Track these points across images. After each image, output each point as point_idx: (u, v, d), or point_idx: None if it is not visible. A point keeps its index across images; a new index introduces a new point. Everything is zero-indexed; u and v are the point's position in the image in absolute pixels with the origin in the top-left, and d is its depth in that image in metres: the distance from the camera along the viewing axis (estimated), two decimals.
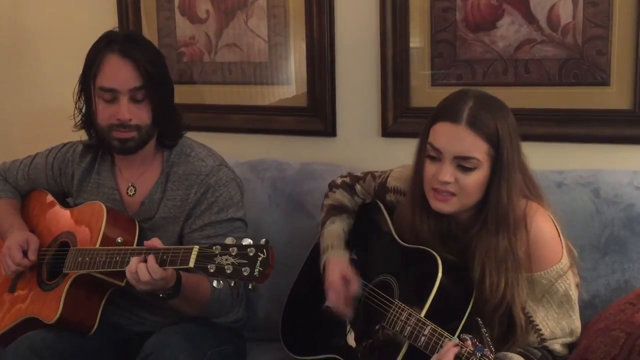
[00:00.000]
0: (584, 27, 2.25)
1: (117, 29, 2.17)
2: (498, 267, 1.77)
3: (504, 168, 1.75)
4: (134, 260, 1.84)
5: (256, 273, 1.67)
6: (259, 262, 1.67)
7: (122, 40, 2.09)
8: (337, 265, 2.00)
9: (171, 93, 2.20)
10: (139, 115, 2.09)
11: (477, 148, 1.74)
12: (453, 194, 1.78)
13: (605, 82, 2.25)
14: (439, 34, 2.43)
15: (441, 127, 1.78)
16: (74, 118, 2.21)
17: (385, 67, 2.51)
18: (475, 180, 1.76)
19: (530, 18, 2.31)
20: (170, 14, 2.87)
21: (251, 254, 1.68)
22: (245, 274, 1.67)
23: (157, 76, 2.10)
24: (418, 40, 2.47)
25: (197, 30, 2.84)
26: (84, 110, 2.19)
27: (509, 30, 2.34)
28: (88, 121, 2.19)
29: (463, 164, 1.75)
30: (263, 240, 1.70)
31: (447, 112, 1.78)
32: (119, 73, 2.07)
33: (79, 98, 2.18)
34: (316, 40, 2.61)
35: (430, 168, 1.80)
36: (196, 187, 2.15)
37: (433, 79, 2.48)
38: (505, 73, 2.36)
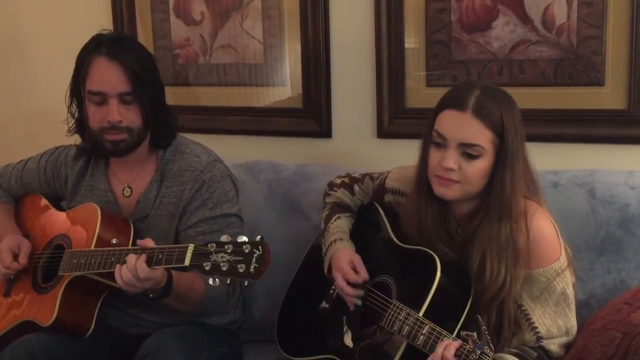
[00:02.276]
0: (578, 28, 2.25)
1: (106, 31, 2.15)
2: (499, 254, 1.78)
3: (508, 157, 1.77)
4: (123, 265, 1.85)
5: (252, 270, 1.67)
6: (254, 258, 1.67)
7: (109, 43, 2.08)
8: (345, 255, 2.01)
9: (162, 94, 2.19)
10: (129, 117, 2.08)
11: (482, 136, 1.76)
12: (456, 182, 1.79)
13: (600, 82, 2.26)
14: (434, 35, 2.44)
15: (447, 114, 1.80)
16: (67, 123, 2.20)
17: (381, 68, 2.51)
18: (479, 168, 1.77)
19: (525, 18, 2.31)
20: (165, 16, 2.87)
21: (247, 251, 1.68)
22: (241, 270, 1.67)
23: (146, 79, 2.09)
24: (413, 41, 2.47)
25: (192, 31, 2.83)
26: (76, 115, 2.19)
27: (504, 31, 2.34)
28: (81, 125, 2.18)
29: (468, 151, 1.76)
30: (258, 237, 1.70)
31: (453, 100, 1.81)
32: (108, 77, 2.06)
33: (71, 102, 2.18)
34: (311, 42, 2.61)
35: (435, 155, 1.81)
36: (191, 183, 2.14)
37: (428, 80, 2.48)
38: (500, 73, 2.37)
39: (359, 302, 1.96)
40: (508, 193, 1.77)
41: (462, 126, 1.76)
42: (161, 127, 2.18)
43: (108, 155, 2.19)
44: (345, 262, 1.99)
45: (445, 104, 1.82)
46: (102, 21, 2.87)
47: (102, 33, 2.13)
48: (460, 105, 1.77)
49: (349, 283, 1.96)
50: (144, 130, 2.13)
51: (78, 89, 2.13)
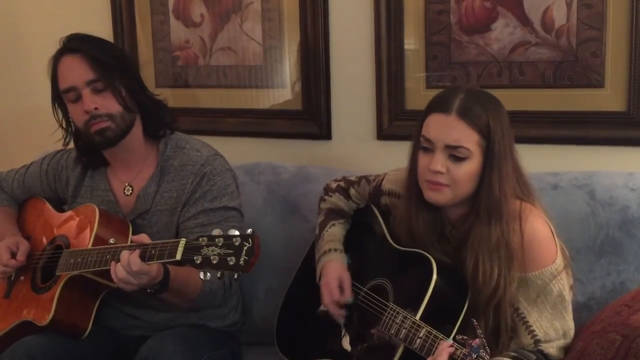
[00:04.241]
0: (578, 29, 2.25)
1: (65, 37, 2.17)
2: (491, 256, 1.77)
3: (495, 159, 1.77)
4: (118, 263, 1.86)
5: (242, 262, 1.67)
6: (244, 251, 1.68)
7: (67, 42, 2.13)
8: (336, 269, 2.01)
9: (135, 77, 2.20)
10: (105, 104, 2.09)
11: (468, 138, 1.76)
12: (446, 185, 1.78)
13: (599, 84, 2.25)
14: (434, 37, 2.44)
15: (433, 118, 1.80)
16: (63, 136, 2.23)
17: (380, 69, 2.51)
18: (467, 170, 1.77)
19: (524, 20, 2.31)
20: (164, 18, 2.87)
21: (237, 244, 1.68)
22: (231, 263, 1.68)
23: (112, 64, 2.10)
24: (412, 42, 2.47)
25: (192, 33, 2.83)
26: (65, 125, 2.21)
27: (503, 33, 2.34)
28: (75, 135, 2.21)
29: (454, 153, 1.76)
30: (249, 230, 1.71)
31: (439, 103, 1.81)
32: (72, 70, 2.09)
33: (56, 113, 2.21)
34: (311, 43, 2.61)
35: (423, 160, 1.81)
36: (192, 176, 2.15)
37: (428, 82, 2.48)
38: (499, 75, 2.37)
39: (342, 321, 1.97)
40: (496, 194, 1.77)
41: (447, 128, 1.77)
42: (149, 113, 2.19)
43: (100, 147, 2.17)
44: (333, 278, 1.99)
45: (430, 108, 1.83)
46: (101, 23, 2.88)
47: (61, 41, 2.16)
48: (445, 108, 1.78)
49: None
50: (127, 116, 2.13)
51: (56, 98, 2.17)
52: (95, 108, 2.07)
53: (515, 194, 1.82)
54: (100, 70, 2.08)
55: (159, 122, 2.21)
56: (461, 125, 1.75)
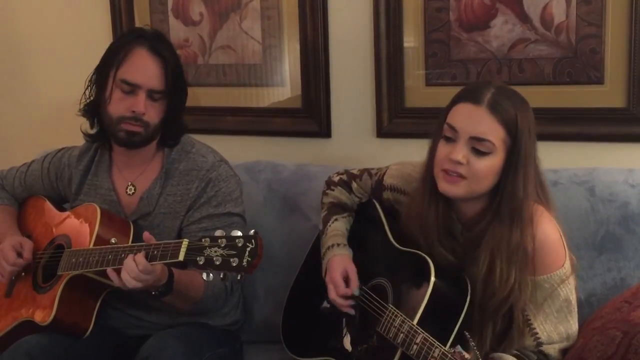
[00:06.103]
0: (577, 26, 2.25)
1: (147, 26, 2.14)
2: (509, 259, 1.74)
3: (520, 159, 1.74)
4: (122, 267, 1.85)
5: (244, 263, 1.67)
6: (247, 252, 1.68)
7: (152, 38, 2.11)
8: (341, 263, 2.00)
9: (184, 100, 2.21)
10: (151, 113, 2.10)
11: (494, 132, 1.73)
12: (463, 177, 1.75)
13: (599, 81, 2.25)
14: (433, 34, 2.43)
15: (461, 107, 1.77)
16: (80, 103, 2.20)
17: (380, 67, 2.51)
18: (488, 165, 1.74)
19: (523, 17, 2.31)
20: (163, 17, 2.87)
21: (240, 245, 1.68)
22: (233, 264, 1.68)
23: (178, 82, 2.13)
24: (412, 40, 2.47)
25: (191, 32, 2.83)
26: (92, 98, 2.18)
27: (503, 30, 2.34)
28: (94, 109, 2.18)
29: (477, 146, 1.73)
30: (252, 231, 1.71)
31: (469, 94, 1.78)
32: (146, 69, 2.08)
33: (92, 84, 2.17)
34: (310, 42, 2.61)
35: (443, 148, 1.78)
36: (197, 181, 2.16)
37: (427, 79, 2.47)
38: (499, 72, 2.36)
39: (352, 312, 1.96)
40: (520, 196, 1.74)
41: (475, 119, 1.73)
42: (173, 128, 2.19)
43: (118, 144, 2.17)
44: (339, 272, 1.98)
45: (460, 97, 1.79)
46: (101, 22, 2.88)
47: (144, 27, 2.15)
48: (475, 98, 1.75)
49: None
50: (158, 129, 2.15)
51: (106, 74, 2.12)
52: (143, 114, 2.08)
53: (533, 197, 1.79)
54: (168, 84, 2.09)
55: (178, 135, 2.22)
56: (490, 118, 1.72)
